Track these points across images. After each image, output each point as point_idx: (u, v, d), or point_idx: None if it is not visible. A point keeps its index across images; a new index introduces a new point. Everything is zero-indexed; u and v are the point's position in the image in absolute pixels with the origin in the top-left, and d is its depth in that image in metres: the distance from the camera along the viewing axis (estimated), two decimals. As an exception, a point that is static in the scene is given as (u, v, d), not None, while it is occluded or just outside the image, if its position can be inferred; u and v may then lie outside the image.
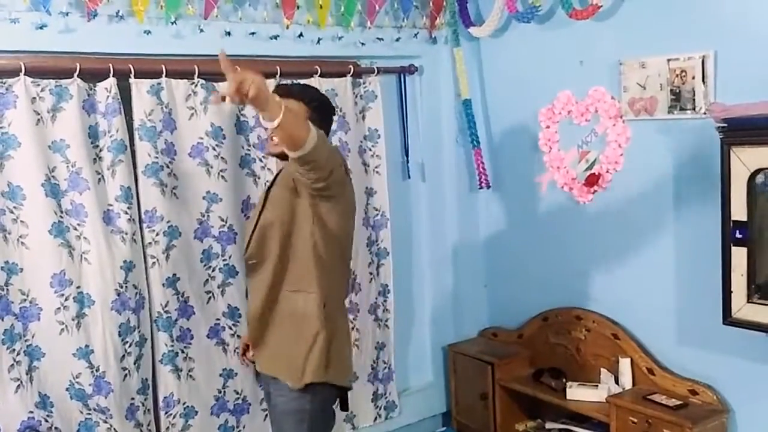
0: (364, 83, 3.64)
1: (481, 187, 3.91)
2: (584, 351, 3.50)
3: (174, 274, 3.13)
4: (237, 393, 3.34)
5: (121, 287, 2.96)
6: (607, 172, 3.36)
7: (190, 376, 3.21)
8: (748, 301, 2.66)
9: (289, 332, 2.61)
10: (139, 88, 3.01)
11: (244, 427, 3.39)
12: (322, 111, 2.67)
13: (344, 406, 2.79)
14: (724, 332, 2.81)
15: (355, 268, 3.54)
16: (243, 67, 2.11)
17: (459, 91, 3.91)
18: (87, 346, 2.93)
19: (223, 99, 2.10)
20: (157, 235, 3.07)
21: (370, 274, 3.72)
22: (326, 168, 2.35)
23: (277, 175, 2.75)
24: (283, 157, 2.60)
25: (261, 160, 3.34)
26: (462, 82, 3.88)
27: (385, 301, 3.78)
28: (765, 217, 2.64)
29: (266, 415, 3.43)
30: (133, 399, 3.04)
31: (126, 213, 2.97)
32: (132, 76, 2.98)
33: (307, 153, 2.24)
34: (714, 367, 3.02)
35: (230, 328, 3.30)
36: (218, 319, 3.27)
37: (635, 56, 3.16)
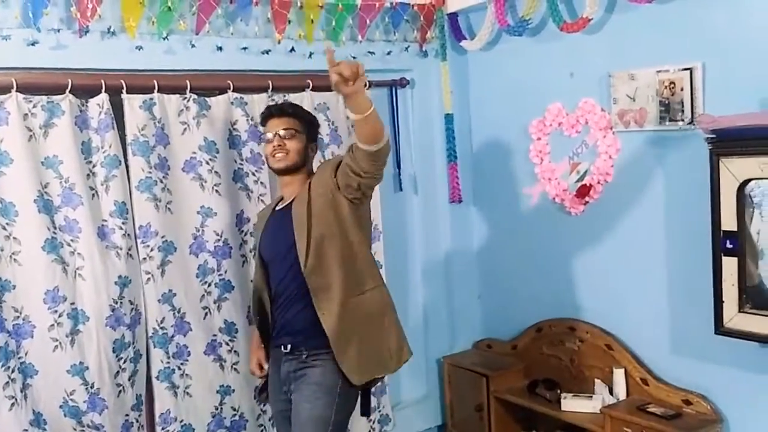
0: (355, 97, 3.65)
1: (453, 201, 3.97)
2: (578, 362, 3.51)
3: (170, 290, 3.12)
4: (234, 410, 3.32)
5: (116, 303, 2.95)
6: (598, 183, 3.38)
7: (187, 392, 3.19)
8: (739, 311, 2.67)
9: (372, 334, 2.75)
10: (132, 104, 3.01)
11: (240, 444, 3.37)
12: (312, 126, 2.90)
13: (367, 409, 2.84)
14: (717, 342, 2.82)
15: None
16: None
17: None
18: (81, 362, 2.91)
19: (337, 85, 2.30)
20: (152, 250, 3.07)
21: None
22: (383, 160, 2.56)
23: (309, 192, 2.73)
24: (288, 172, 2.80)
25: (254, 174, 3.34)
26: (446, 97, 3.90)
27: (378, 313, 3.77)
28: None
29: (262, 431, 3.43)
30: (127, 416, 3.03)
31: (121, 228, 2.97)
32: (124, 91, 2.99)
33: (383, 146, 2.46)
34: (707, 377, 3.03)
35: (227, 344, 3.28)
36: (215, 335, 3.26)
37: (625, 68, 3.18)
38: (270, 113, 2.85)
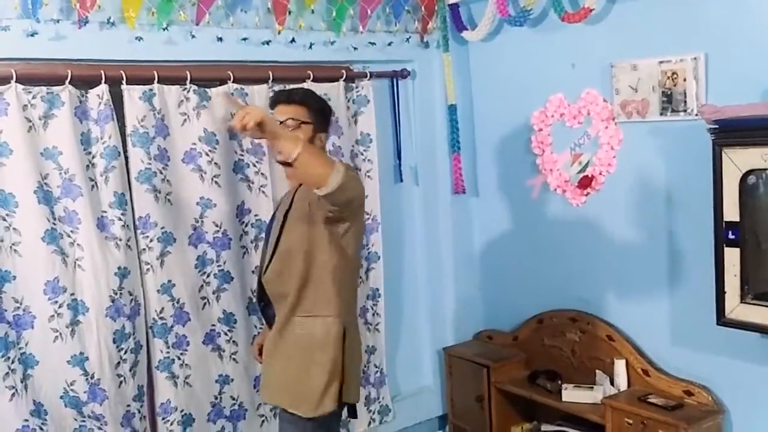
0: (356, 87, 3.64)
1: (456, 192, 3.95)
2: (579, 353, 3.51)
3: (169, 280, 3.12)
4: (233, 399, 3.34)
5: (116, 294, 2.96)
6: (600, 174, 3.37)
7: (187, 382, 3.20)
8: (741, 302, 2.67)
9: (302, 360, 2.56)
10: (131, 95, 3.01)
11: (240, 433, 3.38)
12: (322, 115, 2.71)
13: (353, 414, 2.79)
14: (718, 333, 2.81)
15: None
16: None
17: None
18: (81, 353, 2.92)
19: (230, 131, 2.18)
20: (151, 241, 3.07)
21: (360, 278, 3.71)
22: (348, 202, 2.39)
23: (294, 196, 2.68)
24: (288, 164, 2.57)
25: (254, 165, 3.33)
26: (449, 88, 3.89)
27: (375, 305, 3.77)
28: (757, 218, 2.65)
29: (263, 421, 3.44)
30: (128, 406, 3.04)
31: (120, 219, 2.97)
32: (124, 82, 2.98)
33: (333, 191, 2.26)
34: (709, 368, 3.03)
35: (226, 334, 3.29)
36: (213, 325, 3.26)
37: (627, 59, 3.17)
38: (278, 99, 2.71)
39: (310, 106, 2.65)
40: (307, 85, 3.40)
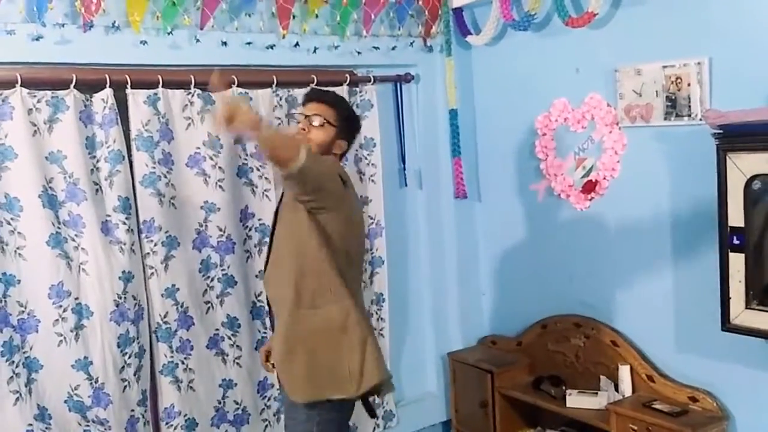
0: (360, 92, 3.65)
1: (457, 197, 3.94)
2: (583, 358, 3.50)
3: (173, 285, 3.12)
4: (237, 403, 3.34)
5: (120, 298, 2.96)
6: (604, 179, 3.36)
7: (191, 387, 3.20)
8: (746, 308, 2.65)
9: (324, 350, 2.55)
10: (136, 99, 3.01)
11: (243, 438, 3.37)
12: (348, 123, 2.72)
13: (372, 413, 2.77)
14: (723, 339, 2.80)
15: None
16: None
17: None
18: (86, 357, 2.92)
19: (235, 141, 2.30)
20: (156, 245, 3.07)
21: (364, 282, 3.70)
22: (311, 185, 2.36)
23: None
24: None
25: (258, 169, 3.34)
26: (450, 92, 3.88)
27: (379, 309, 3.77)
28: (762, 223, 2.64)
29: (266, 426, 3.44)
30: (132, 411, 3.04)
31: (124, 223, 2.97)
32: (129, 86, 2.99)
33: (293, 173, 2.27)
34: (714, 374, 3.02)
35: (229, 339, 3.29)
36: (217, 330, 3.26)
37: (631, 63, 3.16)
38: (311, 97, 2.72)
39: (338, 110, 2.67)
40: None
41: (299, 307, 2.55)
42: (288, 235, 2.57)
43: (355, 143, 3.60)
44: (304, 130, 2.63)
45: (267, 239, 3.28)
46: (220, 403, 3.28)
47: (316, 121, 2.61)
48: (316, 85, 3.42)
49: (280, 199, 2.73)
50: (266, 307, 2.96)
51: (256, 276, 3.35)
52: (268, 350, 2.85)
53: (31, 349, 2.85)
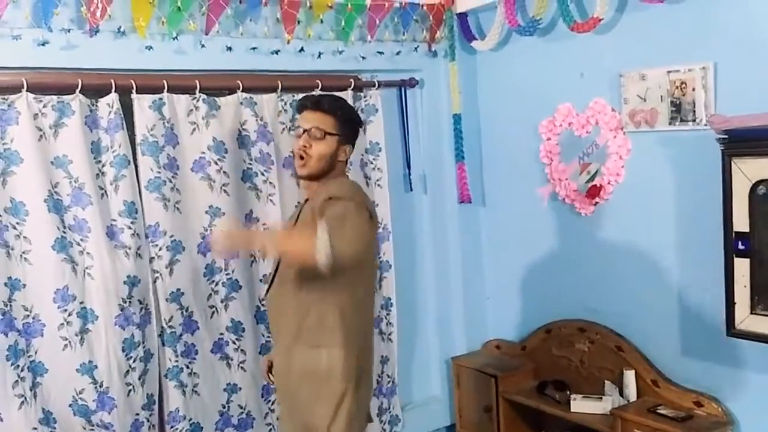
0: (364, 97, 3.65)
1: (462, 201, 3.94)
2: (588, 363, 3.49)
3: (178, 289, 3.13)
4: (241, 408, 3.34)
5: (125, 302, 2.96)
6: (609, 183, 3.36)
7: (195, 391, 3.20)
8: (751, 313, 2.65)
9: (309, 392, 2.47)
10: (141, 104, 3.02)
11: (247, 442, 3.38)
12: (350, 126, 2.58)
13: (369, 418, 2.74)
14: (728, 344, 2.80)
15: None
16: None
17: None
18: (90, 361, 2.93)
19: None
20: (161, 249, 3.07)
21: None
22: (353, 258, 2.22)
23: (301, 208, 2.61)
24: (312, 178, 2.52)
25: (263, 174, 3.34)
26: (454, 97, 3.89)
27: (388, 314, 3.77)
28: (767, 228, 2.64)
29: (270, 430, 3.44)
30: (137, 415, 3.04)
31: (130, 228, 2.98)
32: (134, 91, 3.00)
33: (325, 263, 2.13)
34: (718, 379, 3.01)
35: (234, 343, 3.29)
36: (222, 334, 3.27)
37: (635, 68, 3.16)
38: (305, 104, 2.55)
39: (338, 116, 2.51)
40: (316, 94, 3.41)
41: (296, 342, 2.48)
42: (298, 274, 2.43)
43: (361, 148, 3.63)
44: (305, 148, 2.48)
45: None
46: (224, 407, 3.29)
47: (317, 134, 2.48)
48: (320, 90, 3.43)
49: (296, 219, 2.61)
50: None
51: (260, 280, 3.35)
52: (270, 363, 2.77)
53: (36, 353, 2.85)
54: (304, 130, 2.50)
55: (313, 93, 2.67)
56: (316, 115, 2.50)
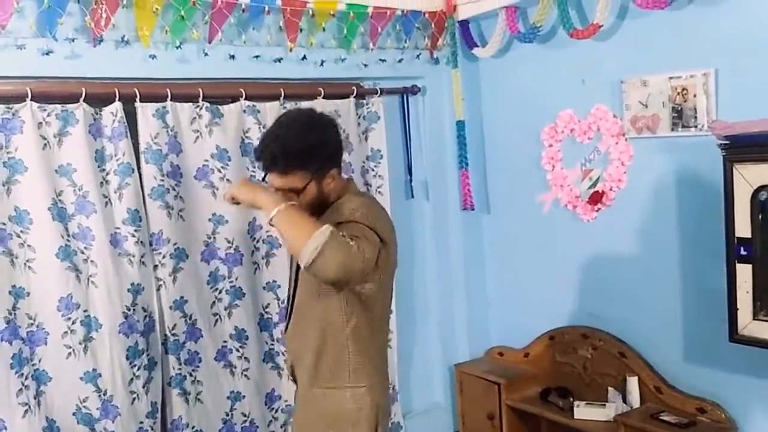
0: (367, 104, 3.67)
1: (465, 208, 3.94)
2: (591, 370, 3.49)
3: (181, 297, 3.13)
4: (244, 416, 3.33)
5: (129, 310, 2.97)
6: (611, 189, 3.37)
7: (199, 399, 3.20)
8: (754, 318, 2.65)
9: None
10: (145, 112, 3.04)
11: (251, 450, 3.37)
12: (318, 155, 2.20)
13: None
14: (731, 350, 2.80)
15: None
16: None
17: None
18: (94, 369, 2.93)
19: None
20: (164, 257, 3.08)
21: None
22: (337, 277, 2.00)
23: None
24: (315, 208, 2.24)
25: (266, 182, 3.33)
26: (457, 104, 3.90)
27: (388, 321, 3.76)
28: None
29: (273, 438, 3.43)
30: (141, 423, 3.04)
31: (133, 236, 2.98)
32: (137, 100, 3.01)
33: (307, 266, 1.97)
34: (721, 385, 3.01)
35: (237, 351, 3.30)
36: (225, 342, 3.27)
37: (637, 74, 3.18)
38: (264, 165, 2.24)
39: (299, 164, 2.17)
40: (318, 102, 3.41)
41: (314, 384, 2.30)
42: (311, 304, 2.28)
43: (362, 155, 3.64)
44: (290, 197, 2.18)
45: (273, 250, 3.31)
46: (227, 415, 3.29)
47: (292, 192, 2.20)
48: (323, 97, 3.44)
49: None
50: (284, 348, 2.83)
51: (264, 288, 3.36)
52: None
53: (40, 361, 2.86)
54: (277, 189, 2.22)
55: (262, 144, 2.26)
56: (279, 177, 2.20)
